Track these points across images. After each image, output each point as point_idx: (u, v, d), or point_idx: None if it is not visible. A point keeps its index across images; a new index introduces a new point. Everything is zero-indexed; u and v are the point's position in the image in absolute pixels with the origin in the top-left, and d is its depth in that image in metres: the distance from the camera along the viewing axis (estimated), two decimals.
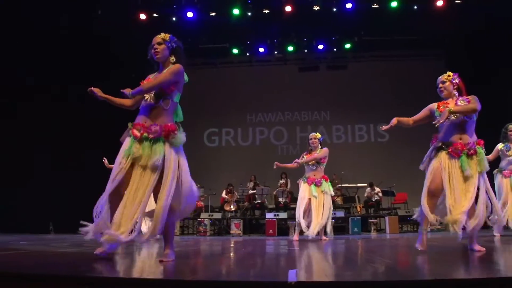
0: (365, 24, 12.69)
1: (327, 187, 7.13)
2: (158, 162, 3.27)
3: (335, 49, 14.22)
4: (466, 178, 3.92)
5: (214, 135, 15.37)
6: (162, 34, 3.58)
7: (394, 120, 4.23)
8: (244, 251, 5.03)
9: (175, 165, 3.32)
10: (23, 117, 10.82)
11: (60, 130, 10.94)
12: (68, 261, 3.55)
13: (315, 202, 6.94)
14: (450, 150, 4.01)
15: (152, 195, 3.31)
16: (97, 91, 3.59)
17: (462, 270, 3.04)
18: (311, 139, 7.29)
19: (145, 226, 5.41)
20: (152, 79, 3.57)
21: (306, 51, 14.31)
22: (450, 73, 4.24)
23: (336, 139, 14.92)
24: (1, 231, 10.01)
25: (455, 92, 4.19)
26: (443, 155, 4.04)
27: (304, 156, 7.28)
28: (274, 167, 7.32)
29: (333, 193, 7.46)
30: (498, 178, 7.05)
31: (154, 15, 12.08)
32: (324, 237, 7.04)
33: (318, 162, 7.15)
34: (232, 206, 12.12)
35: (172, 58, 3.58)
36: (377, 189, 12.24)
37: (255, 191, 12.31)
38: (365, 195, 12.42)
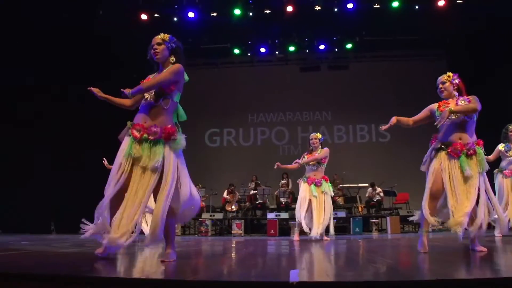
0: (366, 24, 12.69)
1: (327, 187, 7.14)
2: (158, 164, 3.26)
3: (336, 49, 14.23)
4: (466, 179, 3.91)
5: (216, 135, 15.38)
6: (162, 35, 3.58)
7: (394, 119, 4.23)
8: (246, 251, 5.03)
9: (174, 167, 3.31)
10: (23, 117, 10.84)
11: (60, 130, 10.95)
12: (70, 261, 3.55)
13: (315, 203, 6.95)
14: (449, 150, 4.00)
15: (152, 195, 3.31)
16: (96, 91, 3.59)
17: (464, 270, 3.03)
18: (311, 139, 7.29)
19: (146, 225, 5.43)
20: (152, 79, 3.57)
21: (307, 51, 14.31)
22: (450, 74, 4.23)
23: (337, 139, 14.92)
24: (3, 231, 10.04)
25: (455, 93, 4.18)
26: (442, 155, 4.03)
27: (305, 156, 7.28)
28: (275, 167, 7.31)
29: (332, 194, 7.46)
30: (499, 178, 7.05)
31: (155, 15, 12.08)
32: (325, 237, 7.04)
33: (318, 162, 7.16)
34: (233, 206, 12.13)
35: (172, 59, 3.56)
36: (378, 189, 12.23)
37: (256, 191, 12.30)
38: (367, 195, 12.41)
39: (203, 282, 2.41)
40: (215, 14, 12.16)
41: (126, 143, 3.38)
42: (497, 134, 7.20)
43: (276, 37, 13.71)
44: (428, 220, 3.93)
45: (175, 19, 12.29)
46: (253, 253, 4.78)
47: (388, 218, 11.02)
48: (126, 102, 3.65)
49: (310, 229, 6.92)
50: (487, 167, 4.03)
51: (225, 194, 12.44)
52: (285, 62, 15.06)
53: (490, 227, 5.06)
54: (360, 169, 13.48)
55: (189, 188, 3.35)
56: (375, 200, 12.13)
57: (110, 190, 3.26)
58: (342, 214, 11.14)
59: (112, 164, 3.44)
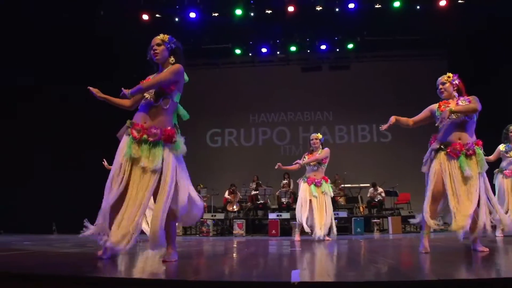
0: (367, 24, 12.67)
1: (327, 188, 7.15)
2: (157, 167, 3.26)
3: (337, 49, 14.21)
4: (466, 179, 3.90)
5: (217, 135, 15.38)
6: (161, 35, 3.57)
7: (392, 119, 4.25)
8: (247, 252, 5.03)
9: (173, 168, 3.31)
10: (23, 117, 10.86)
11: (60, 130, 10.97)
12: (71, 262, 3.56)
13: (316, 203, 6.96)
14: (448, 150, 4.00)
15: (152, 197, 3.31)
16: (96, 91, 3.60)
17: (466, 270, 3.03)
18: (312, 139, 7.30)
19: (147, 226, 5.43)
20: (152, 79, 3.56)
21: (308, 51, 14.30)
22: (450, 74, 4.24)
23: (338, 139, 14.91)
24: (4, 231, 10.06)
25: (455, 93, 4.19)
26: (442, 156, 4.03)
27: (306, 156, 7.29)
28: (276, 167, 7.32)
29: (332, 194, 7.46)
30: (499, 178, 7.04)
31: (157, 15, 12.08)
32: (327, 237, 7.05)
33: (319, 162, 7.17)
34: (235, 207, 12.13)
35: (172, 59, 3.56)
36: (380, 189, 12.22)
37: (257, 191, 12.30)
38: (368, 195, 12.40)
39: (204, 282, 2.41)
40: (216, 14, 12.16)
41: (125, 143, 3.37)
42: (497, 135, 7.20)
43: (278, 37, 13.69)
44: (428, 223, 3.94)
45: (177, 19, 12.28)
46: (255, 253, 4.78)
47: (389, 218, 11.01)
48: (126, 102, 3.65)
49: (311, 230, 6.92)
50: (486, 167, 4.03)
51: (226, 194, 12.44)
52: (286, 62, 15.05)
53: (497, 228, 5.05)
54: (361, 169, 13.47)
55: (187, 194, 3.34)
56: (376, 200, 12.12)
57: (113, 192, 3.23)
58: (343, 214, 11.13)
59: (111, 165, 3.43)
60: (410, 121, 4.36)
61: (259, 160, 13.92)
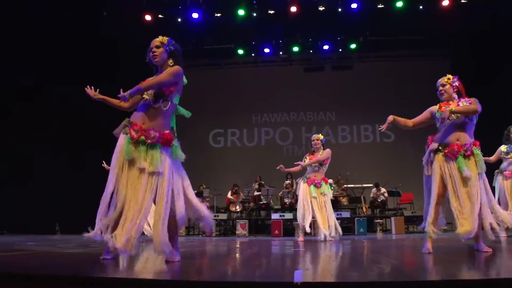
0: (370, 24, 12.65)
1: (327, 189, 7.16)
2: (157, 169, 3.24)
3: (340, 50, 14.20)
4: (466, 180, 3.89)
5: (220, 135, 15.38)
6: (160, 37, 3.56)
7: (390, 118, 4.25)
8: (250, 252, 5.03)
9: (169, 172, 3.30)
10: (23, 117, 10.88)
11: (60, 130, 10.98)
12: (74, 262, 3.56)
13: (316, 204, 6.97)
14: (446, 151, 3.99)
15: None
16: (92, 94, 3.60)
17: (469, 270, 3.02)
18: (313, 140, 7.30)
19: (148, 227, 5.44)
20: (151, 80, 3.55)
21: (311, 51, 14.28)
22: (450, 76, 4.23)
23: (341, 140, 14.90)
24: (8, 231, 10.08)
25: (455, 95, 4.18)
26: (440, 158, 4.02)
27: (307, 157, 7.30)
28: (277, 167, 7.33)
29: (332, 195, 7.46)
30: (499, 179, 7.03)
31: (160, 16, 12.09)
32: (330, 238, 7.04)
33: (320, 163, 7.17)
34: (237, 207, 12.13)
35: (171, 61, 3.55)
36: (382, 190, 12.21)
37: (260, 192, 12.30)
38: (371, 195, 12.39)
39: (207, 282, 2.41)
40: (219, 14, 12.16)
41: (122, 143, 3.36)
42: (498, 135, 7.18)
43: (280, 38, 13.68)
44: (427, 227, 3.94)
45: (179, 19, 12.28)
46: (257, 253, 4.78)
47: (392, 218, 10.99)
48: (124, 103, 3.63)
49: (313, 231, 6.94)
50: (484, 167, 4.02)
51: (229, 195, 12.44)
52: (289, 62, 15.04)
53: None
54: (364, 170, 13.45)
55: (183, 203, 3.32)
56: (379, 200, 12.11)
57: (120, 196, 3.20)
58: (346, 214, 11.12)
59: (110, 164, 3.41)
60: (410, 122, 4.35)
61: (261, 161, 13.91)
